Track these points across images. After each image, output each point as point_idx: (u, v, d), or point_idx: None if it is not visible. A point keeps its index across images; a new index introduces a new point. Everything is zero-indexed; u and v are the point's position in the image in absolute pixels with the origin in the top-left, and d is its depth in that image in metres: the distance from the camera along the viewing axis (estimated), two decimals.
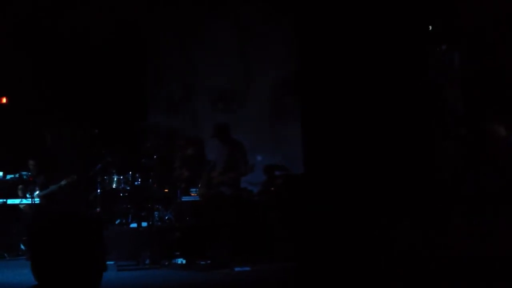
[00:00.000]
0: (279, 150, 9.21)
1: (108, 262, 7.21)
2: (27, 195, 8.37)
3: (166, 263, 6.95)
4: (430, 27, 5.04)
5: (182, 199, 7.84)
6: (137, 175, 8.32)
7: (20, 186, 8.50)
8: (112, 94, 9.79)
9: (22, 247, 8.34)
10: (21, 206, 8.44)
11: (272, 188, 8.07)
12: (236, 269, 6.50)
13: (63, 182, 8.52)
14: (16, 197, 8.48)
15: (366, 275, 4.63)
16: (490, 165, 4.90)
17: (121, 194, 8.36)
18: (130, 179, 8.27)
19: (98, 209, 8.43)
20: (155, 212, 7.80)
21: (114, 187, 8.41)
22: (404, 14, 4.89)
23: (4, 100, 9.37)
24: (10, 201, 8.38)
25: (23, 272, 6.82)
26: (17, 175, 8.45)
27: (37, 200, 8.36)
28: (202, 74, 10.21)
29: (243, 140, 9.18)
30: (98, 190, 8.43)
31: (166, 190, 8.26)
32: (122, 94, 9.89)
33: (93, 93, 9.70)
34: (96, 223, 1.95)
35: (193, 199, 7.74)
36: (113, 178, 8.40)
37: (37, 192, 8.46)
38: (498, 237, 4.46)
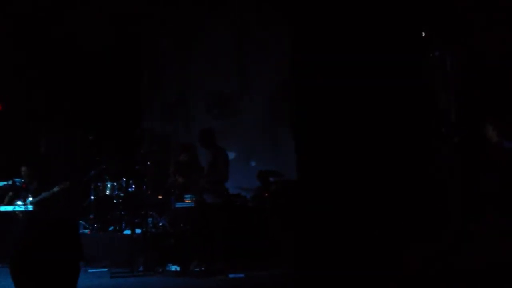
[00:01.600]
0: (274, 155, 9.20)
1: (102, 269, 7.20)
2: (19, 202, 8.32)
3: (160, 270, 6.92)
4: (423, 33, 5.04)
5: (176, 206, 7.81)
6: (131, 181, 8.30)
7: (10, 193, 8.46)
8: (107, 100, 9.76)
9: None
10: (17, 212, 8.40)
11: (266, 194, 8.05)
12: (231, 275, 6.48)
13: (56, 189, 8.47)
14: (9, 204, 8.44)
15: (363, 279, 4.62)
16: (484, 169, 4.91)
17: (114, 201, 8.33)
18: (124, 185, 8.24)
19: (91, 216, 8.41)
20: (149, 219, 7.76)
21: (107, 193, 8.37)
22: (397, 19, 4.89)
23: None
24: (2, 208, 8.33)
25: None
26: (10, 182, 8.40)
27: (30, 207, 8.32)
28: (197, 79, 10.20)
29: (237, 146, 9.17)
30: (92, 197, 8.40)
31: (160, 197, 8.23)
32: (116, 100, 9.86)
33: (87, 99, 9.68)
34: (71, 227, 1.96)
35: (187, 205, 7.71)
36: (107, 185, 8.37)
37: (30, 199, 8.42)
38: (496, 240, 4.46)
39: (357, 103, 4.87)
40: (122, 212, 8.18)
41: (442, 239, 4.59)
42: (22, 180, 8.47)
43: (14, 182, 8.38)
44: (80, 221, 8.38)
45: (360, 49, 4.88)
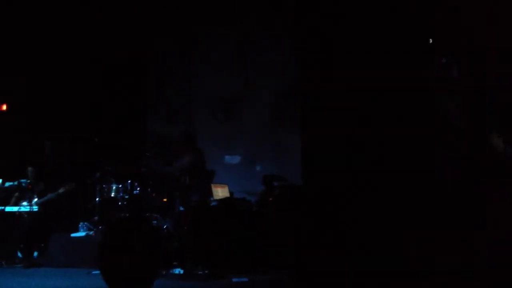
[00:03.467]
0: (278, 159, 9.22)
1: None
2: (24, 203, 8.37)
3: (164, 273, 6.92)
4: (431, 40, 5.06)
5: (180, 209, 7.83)
6: (135, 184, 8.32)
7: (16, 194, 8.50)
8: (112, 102, 9.80)
9: (19, 255, 8.32)
10: (19, 213, 8.43)
11: (270, 198, 8.07)
12: (234, 279, 6.49)
13: (61, 190, 8.54)
14: (15, 204, 8.48)
15: (366, 283, 4.63)
16: (490, 176, 4.91)
17: (119, 203, 8.35)
18: (129, 187, 8.26)
19: (96, 218, 8.43)
20: (153, 221, 7.78)
21: (112, 195, 8.40)
22: (404, 26, 4.91)
23: (4, 107, 9.39)
24: (8, 209, 8.37)
25: (20, 281, 6.80)
26: (16, 183, 8.45)
27: (35, 208, 8.36)
28: (202, 82, 10.23)
29: (242, 149, 9.19)
30: (97, 199, 8.43)
31: (165, 199, 8.25)
32: (121, 103, 9.90)
33: (92, 102, 9.72)
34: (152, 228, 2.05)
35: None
36: (112, 187, 8.39)
37: (35, 200, 8.47)
38: (501, 245, 4.47)
39: (364, 108, 4.89)
40: (127, 214, 8.19)
41: (447, 244, 4.60)
42: (28, 181, 8.52)
43: (20, 183, 8.43)
44: (85, 223, 8.41)
45: (367, 54, 4.90)
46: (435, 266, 4.56)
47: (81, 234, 8.30)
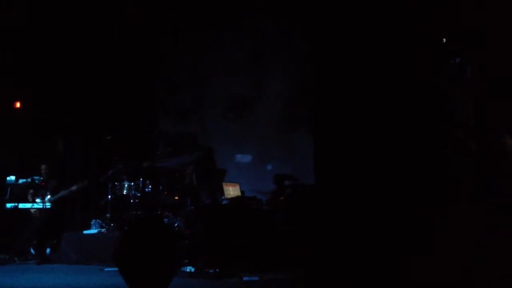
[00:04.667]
0: (289, 159, 9.21)
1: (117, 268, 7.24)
2: (38, 200, 8.45)
3: None
4: (444, 40, 5.04)
5: (191, 207, 7.87)
6: (147, 182, 8.37)
7: (30, 191, 8.58)
8: (124, 101, 9.85)
9: (32, 251, 8.39)
10: (32, 210, 8.51)
11: (281, 198, 8.08)
12: (245, 278, 6.50)
13: (74, 187, 8.60)
14: (28, 201, 8.55)
15: (377, 284, 4.62)
16: (498, 177, 4.89)
17: (131, 201, 8.40)
18: (141, 186, 8.31)
19: (108, 215, 8.49)
20: (165, 219, 7.82)
21: (124, 193, 8.45)
22: (417, 25, 4.89)
23: (18, 104, 9.47)
24: (21, 205, 8.45)
25: (32, 277, 6.87)
26: (29, 179, 8.52)
27: (48, 205, 8.43)
28: (213, 82, 10.24)
29: (252, 149, 9.18)
30: (109, 196, 8.49)
31: (176, 198, 8.29)
32: (133, 102, 9.95)
33: (105, 100, 9.77)
34: (168, 227, 2.11)
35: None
36: (124, 185, 8.45)
37: (48, 197, 8.54)
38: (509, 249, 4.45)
39: (376, 108, 4.88)
40: (138, 212, 8.25)
41: (456, 247, 4.59)
42: (41, 178, 8.59)
43: (33, 180, 8.51)
44: (97, 220, 8.48)
45: (380, 54, 4.90)
46: (442, 266, 4.55)
47: (93, 231, 8.36)
